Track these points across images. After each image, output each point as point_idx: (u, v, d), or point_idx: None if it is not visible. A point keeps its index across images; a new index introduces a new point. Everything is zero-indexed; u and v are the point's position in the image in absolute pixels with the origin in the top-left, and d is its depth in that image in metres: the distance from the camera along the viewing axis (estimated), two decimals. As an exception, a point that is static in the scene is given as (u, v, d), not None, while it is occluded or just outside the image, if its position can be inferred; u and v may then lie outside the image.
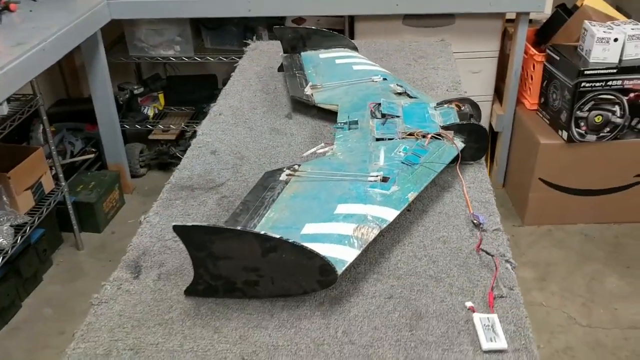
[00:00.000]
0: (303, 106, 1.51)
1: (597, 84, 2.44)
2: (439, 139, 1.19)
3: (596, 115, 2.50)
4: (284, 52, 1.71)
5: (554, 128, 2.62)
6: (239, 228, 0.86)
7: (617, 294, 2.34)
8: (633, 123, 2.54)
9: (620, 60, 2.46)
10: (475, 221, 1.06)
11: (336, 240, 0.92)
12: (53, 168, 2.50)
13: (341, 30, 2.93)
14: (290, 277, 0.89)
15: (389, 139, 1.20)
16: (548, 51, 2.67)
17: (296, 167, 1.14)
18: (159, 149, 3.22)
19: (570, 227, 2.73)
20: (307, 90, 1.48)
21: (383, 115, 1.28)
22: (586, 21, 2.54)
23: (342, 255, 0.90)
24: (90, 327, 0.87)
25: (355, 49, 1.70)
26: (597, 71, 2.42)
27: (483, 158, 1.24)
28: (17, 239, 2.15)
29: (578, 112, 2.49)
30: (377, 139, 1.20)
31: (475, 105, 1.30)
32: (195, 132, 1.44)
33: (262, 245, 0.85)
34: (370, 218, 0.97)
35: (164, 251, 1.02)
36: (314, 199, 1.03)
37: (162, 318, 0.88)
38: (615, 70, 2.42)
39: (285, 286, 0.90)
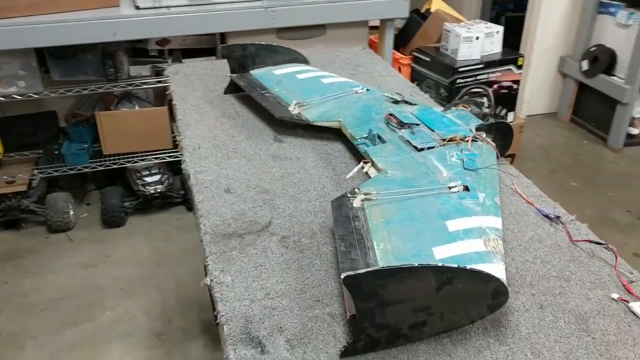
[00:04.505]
0: (285, 127, 1.38)
1: (469, 79, 2.66)
2: (476, 140, 1.17)
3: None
4: (232, 72, 1.55)
5: (433, 124, 2.80)
6: (416, 264, 0.74)
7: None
8: (497, 111, 2.82)
9: (482, 56, 2.72)
10: (550, 216, 1.07)
11: (479, 260, 0.85)
12: None
13: (212, 49, 2.78)
14: (461, 308, 0.80)
15: (429, 148, 1.15)
16: (415, 54, 2.84)
17: (357, 190, 1.04)
18: (7, 205, 2.70)
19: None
20: (293, 110, 1.36)
21: (402, 125, 1.23)
22: (446, 23, 2.76)
23: (495, 273, 0.83)
24: None
25: (306, 62, 1.61)
26: (468, 67, 2.64)
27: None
28: None
29: (455, 107, 2.69)
30: (419, 149, 1.14)
31: (478, 104, 1.32)
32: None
33: (438, 278, 0.75)
34: (487, 230, 0.92)
35: (269, 313, 0.85)
36: (413, 220, 0.95)
37: (336, 391, 0.73)
38: (482, 66, 2.67)
39: (453, 320, 0.81)
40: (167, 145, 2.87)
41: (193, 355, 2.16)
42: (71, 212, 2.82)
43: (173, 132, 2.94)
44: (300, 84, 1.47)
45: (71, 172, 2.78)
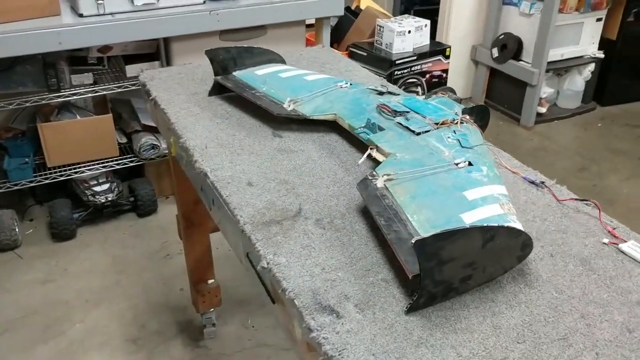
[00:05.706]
0: (280, 123, 1.48)
1: (405, 71, 2.86)
2: (463, 122, 1.33)
3: (407, 97, 2.93)
4: (216, 75, 1.62)
5: (373, 115, 2.97)
6: (467, 226, 0.88)
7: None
8: (430, 99, 3.04)
9: (414, 49, 2.92)
10: (535, 182, 1.24)
11: (502, 220, 1.00)
12: None
13: (153, 54, 2.80)
14: (498, 261, 0.95)
15: (426, 131, 1.29)
16: (351, 49, 3.00)
17: (375, 173, 1.16)
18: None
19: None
20: (288, 106, 1.46)
21: (396, 113, 1.36)
22: (379, 19, 2.94)
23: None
24: (361, 376, 0.80)
25: (283, 61, 1.71)
26: (403, 59, 2.83)
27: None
28: None
29: (394, 97, 2.87)
30: (417, 133, 1.29)
31: (453, 91, 1.48)
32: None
33: (483, 236, 0.89)
34: (498, 196, 1.08)
35: (330, 285, 0.95)
36: (434, 194, 1.09)
37: (412, 340, 0.85)
38: (415, 57, 2.87)
39: (491, 272, 0.95)
40: (113, 154, 2.84)
41: (174, 355, 2.20)
42: (17, 229, 2.73)
43: (118, 140, 2.92)
44: (286, 82, 1.57)
45: (15, 187, 2.70)
